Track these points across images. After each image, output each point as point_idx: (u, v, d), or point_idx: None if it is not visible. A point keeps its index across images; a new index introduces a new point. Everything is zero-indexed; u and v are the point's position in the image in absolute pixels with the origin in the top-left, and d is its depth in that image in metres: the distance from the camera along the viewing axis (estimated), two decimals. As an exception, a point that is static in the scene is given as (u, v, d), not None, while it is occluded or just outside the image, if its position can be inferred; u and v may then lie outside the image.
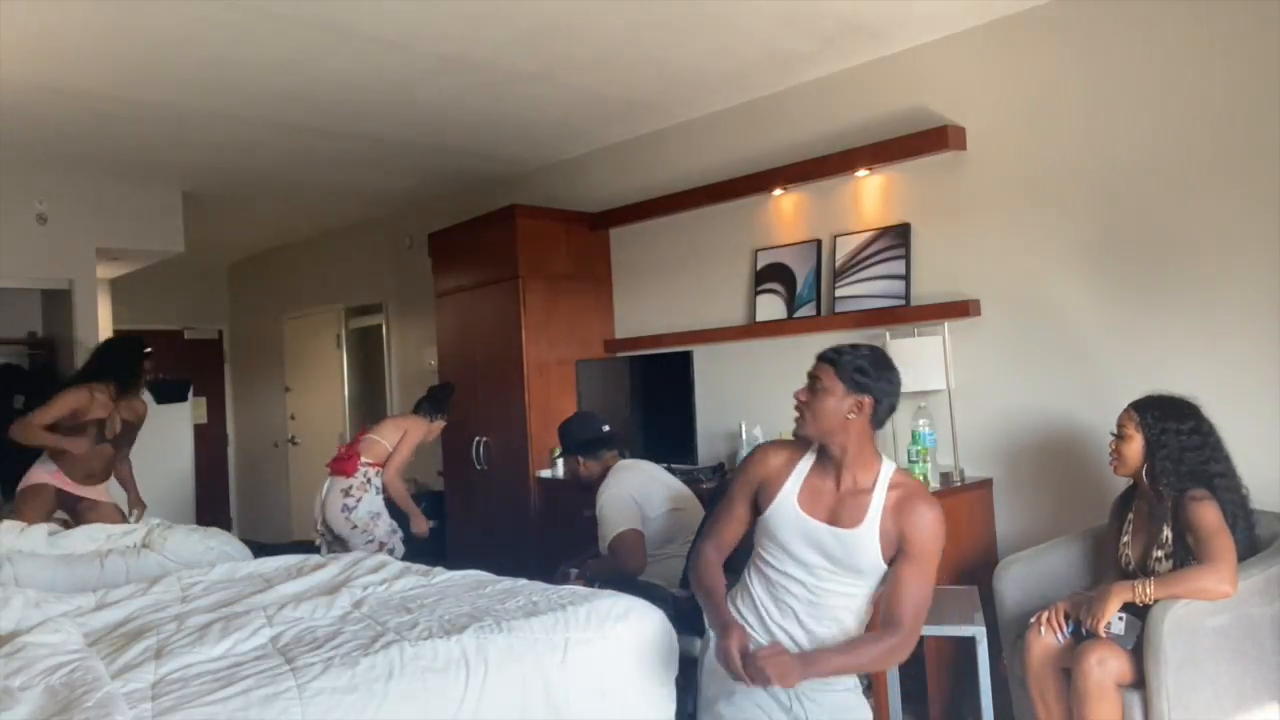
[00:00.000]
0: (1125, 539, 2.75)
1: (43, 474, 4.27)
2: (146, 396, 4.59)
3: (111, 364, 4.31)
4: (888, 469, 2.23)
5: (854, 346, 2.27)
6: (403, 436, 4.71)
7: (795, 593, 2.24)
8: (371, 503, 4.56)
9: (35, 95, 4.20)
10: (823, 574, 2.20)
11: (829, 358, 2.25)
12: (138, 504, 4.59)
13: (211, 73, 4.01)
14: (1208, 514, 2.53)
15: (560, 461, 4.99)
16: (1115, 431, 2.79)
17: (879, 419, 2.22)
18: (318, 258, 7.99)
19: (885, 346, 3.97)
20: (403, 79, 4.20)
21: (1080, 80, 3.58)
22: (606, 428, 3.60)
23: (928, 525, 2.15)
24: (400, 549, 4.60)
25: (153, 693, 2.01)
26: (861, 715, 2.33)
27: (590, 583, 3.19)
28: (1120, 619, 2.48)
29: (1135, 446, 2.72)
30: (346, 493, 4.51)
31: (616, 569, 3.26)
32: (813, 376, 2.25)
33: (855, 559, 2.17)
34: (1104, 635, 2.48)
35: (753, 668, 2.04)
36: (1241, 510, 2.62)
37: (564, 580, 3.33)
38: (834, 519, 2.20)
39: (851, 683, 2.30)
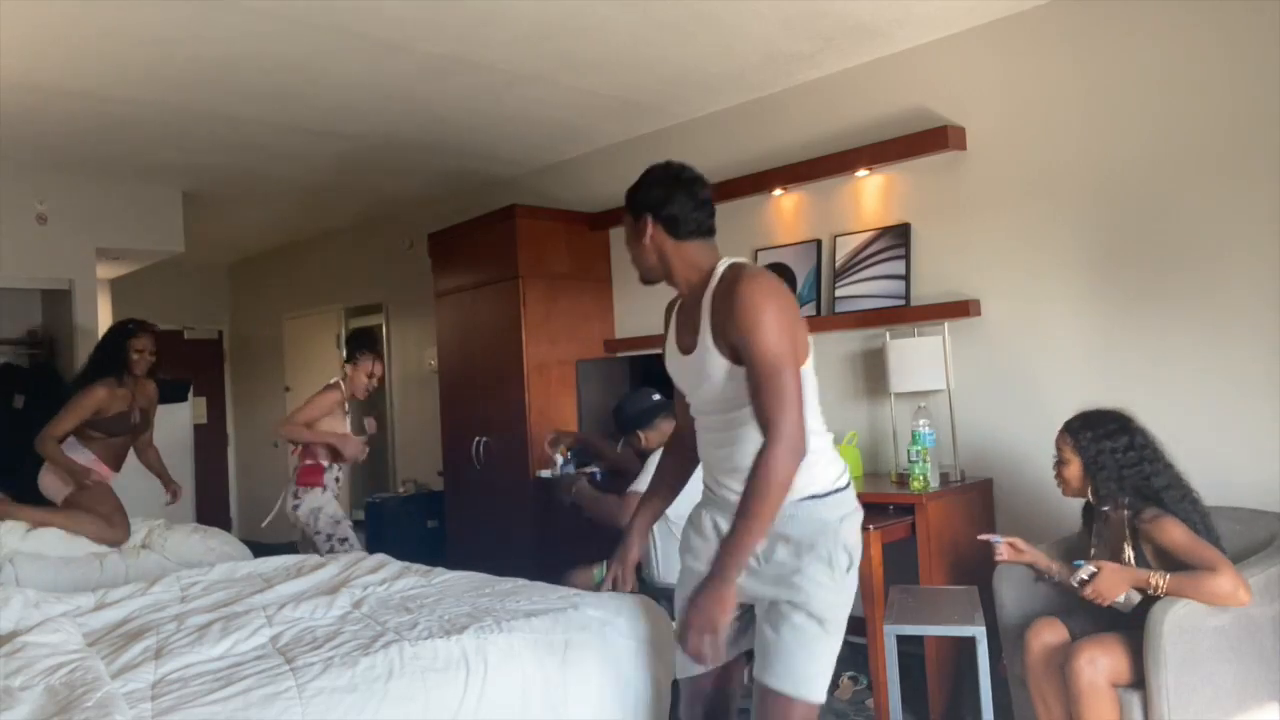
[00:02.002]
0: (1092, 553, 2.75)
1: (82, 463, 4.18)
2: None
3: (103, 357, 4.27)
4: (720, 268, 2.07)
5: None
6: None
7: (714, 437, 2.11)
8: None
9: (35, 95, 4.20)
10: (715, 404, 2.07)
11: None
12: (170, 487, 4.63)
13: (212, 73, 4.01)
14: (1173, 531, 2.51)
15: (559, 459, 4.97)
16: (1055, 455, 2.79)
17: (678, 228, 2.08)
18: (318, 258, 7.99)
19: (886, 347, 3.97)
20: (403, 80, 4.20)
21: (1080, 80, 3.58)
22: (657, 396, 3.53)
23: (738, 301, 1.93)
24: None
25: (152, 693, 2.02)
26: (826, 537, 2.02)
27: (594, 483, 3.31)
28: (1122, 595, 2.51)
29: (1075, 469, 2.72)
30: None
31: (608, 513, 3.34)
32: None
33: (709, 373, 2.03)
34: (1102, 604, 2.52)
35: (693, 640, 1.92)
36: (1198, 514, 2.60)
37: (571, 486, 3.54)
38: (685, 346, 2.11)
39: (835, 502, 2.05)
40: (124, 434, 4.33)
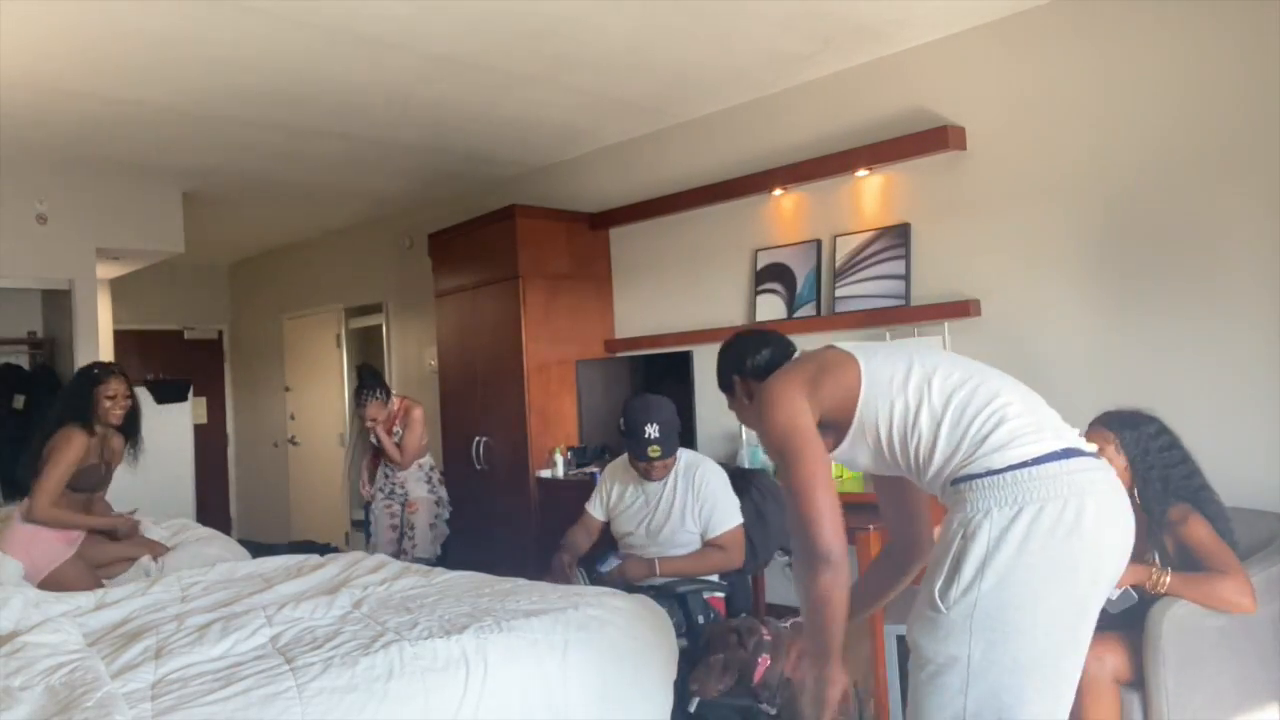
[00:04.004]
0: None
1: (55, 543, 3.55)
2: (151, 407, 4.36)
3: (70, 403, 3.66)
4: None
5: None
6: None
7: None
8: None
9: (35, 95, 4.19)
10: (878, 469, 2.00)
11: None
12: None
13: (212, 74, 4.01)
14: (1200, 530, 2.46)
15: (560, 460, 4.97)
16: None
17: (761, 370, 2.02)
18: (318, 258, 7.99)
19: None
20: (403, 80, 4.20)
21: (1080, 80, 3.58)
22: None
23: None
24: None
25: (152, 693, 2.02)
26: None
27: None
28: (1117, 590, 2.46)
29: (1119, 468, 2.53)
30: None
31: (720, 564, 3.11)
32: None
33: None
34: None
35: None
36: (1224, 518, 2.55)
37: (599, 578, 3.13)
38: None
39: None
40: (90, 489, 3.71)
